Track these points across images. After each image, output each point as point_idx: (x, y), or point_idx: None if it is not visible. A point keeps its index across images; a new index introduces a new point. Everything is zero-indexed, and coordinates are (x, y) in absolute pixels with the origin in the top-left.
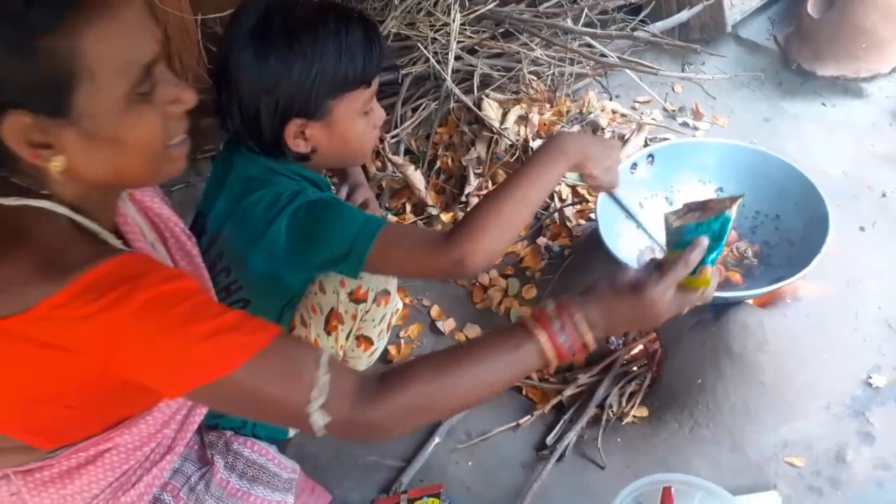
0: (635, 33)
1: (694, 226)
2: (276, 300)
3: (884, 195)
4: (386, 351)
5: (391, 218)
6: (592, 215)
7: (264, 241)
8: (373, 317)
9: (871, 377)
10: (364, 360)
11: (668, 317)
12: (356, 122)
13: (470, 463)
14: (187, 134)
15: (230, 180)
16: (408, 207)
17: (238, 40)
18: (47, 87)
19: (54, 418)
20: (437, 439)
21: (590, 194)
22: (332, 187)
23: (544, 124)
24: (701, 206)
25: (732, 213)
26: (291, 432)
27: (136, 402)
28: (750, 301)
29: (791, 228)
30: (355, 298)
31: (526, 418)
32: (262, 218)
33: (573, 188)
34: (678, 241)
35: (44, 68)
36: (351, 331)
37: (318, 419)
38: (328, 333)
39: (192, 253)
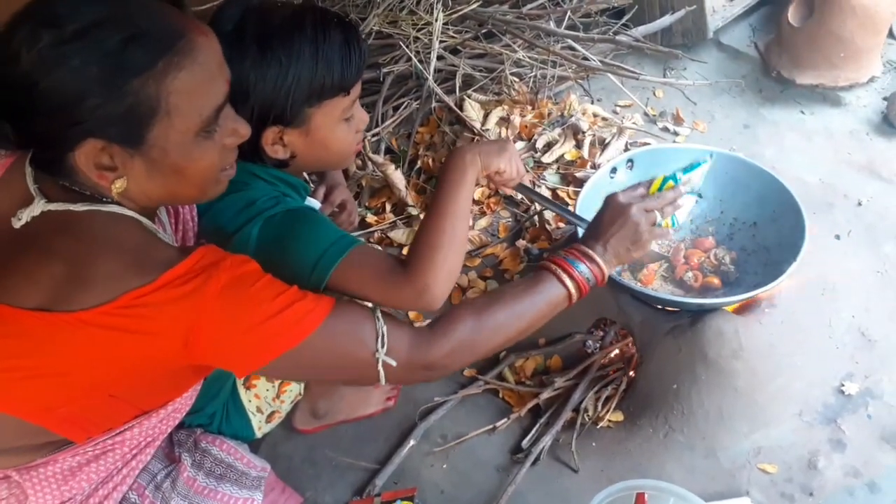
0: (617, 37)
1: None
2: None
3: (859, 204)
4: None
5: (370, 218)
6: None
7: (234, 243)
8: None
9: (843, 385)
10: None
11: (648, 236)
12: (336, 128)
13: (445, 466)
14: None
15: None
16: (388, 207)
17: None
18: (128, 121)
19: (96, 408)
20: (412, 442)
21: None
22: (311, 185)
23: (525, 126)
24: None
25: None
26: (259, 432)
27: (177, 390)
28: (726, 307)
29: (768, 236)
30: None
31: (502, 422)
32: (235, 219)
33: (553, 191)
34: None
35: (130, 104)
36: None
37: (387, 363)
38: None
39: (190, 234)
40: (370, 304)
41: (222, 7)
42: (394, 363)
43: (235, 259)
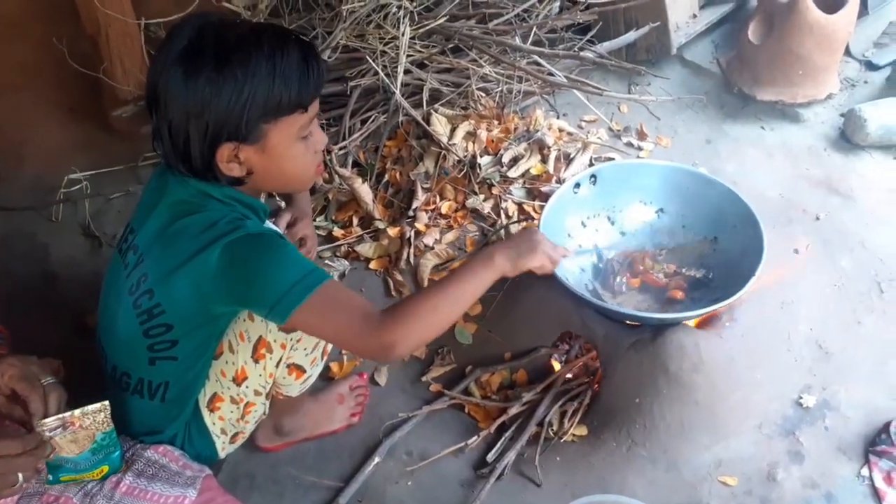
0: (582, 53)
1: None
2: (200, 327)
3: (817, 218)
4: (328, 368)
5: (337, 232)
6: None
7: (191, 265)
8: (304, 346)
9: (801, 397)
10: (296, 388)
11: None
12: (292, 146)
13: (409, 482)
14: None
15: (163, 203)
16: (354, 220)
17: (168, 61)
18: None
19: None
20: (376, 459)
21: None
22: (279, 205)
23: (492, 140)
24: None
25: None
26: (223, 453)
27: None
28: (687, 322)
29: (728, 250)
30: (285, 328)
31: (473, 439)
32: (194, 242)
33: (519, 206)
34: None
35: None
36: (281, 359)
37: None
38: (256, 361)
39: None
40: None
41: (180, 23)
42: None
43: None
